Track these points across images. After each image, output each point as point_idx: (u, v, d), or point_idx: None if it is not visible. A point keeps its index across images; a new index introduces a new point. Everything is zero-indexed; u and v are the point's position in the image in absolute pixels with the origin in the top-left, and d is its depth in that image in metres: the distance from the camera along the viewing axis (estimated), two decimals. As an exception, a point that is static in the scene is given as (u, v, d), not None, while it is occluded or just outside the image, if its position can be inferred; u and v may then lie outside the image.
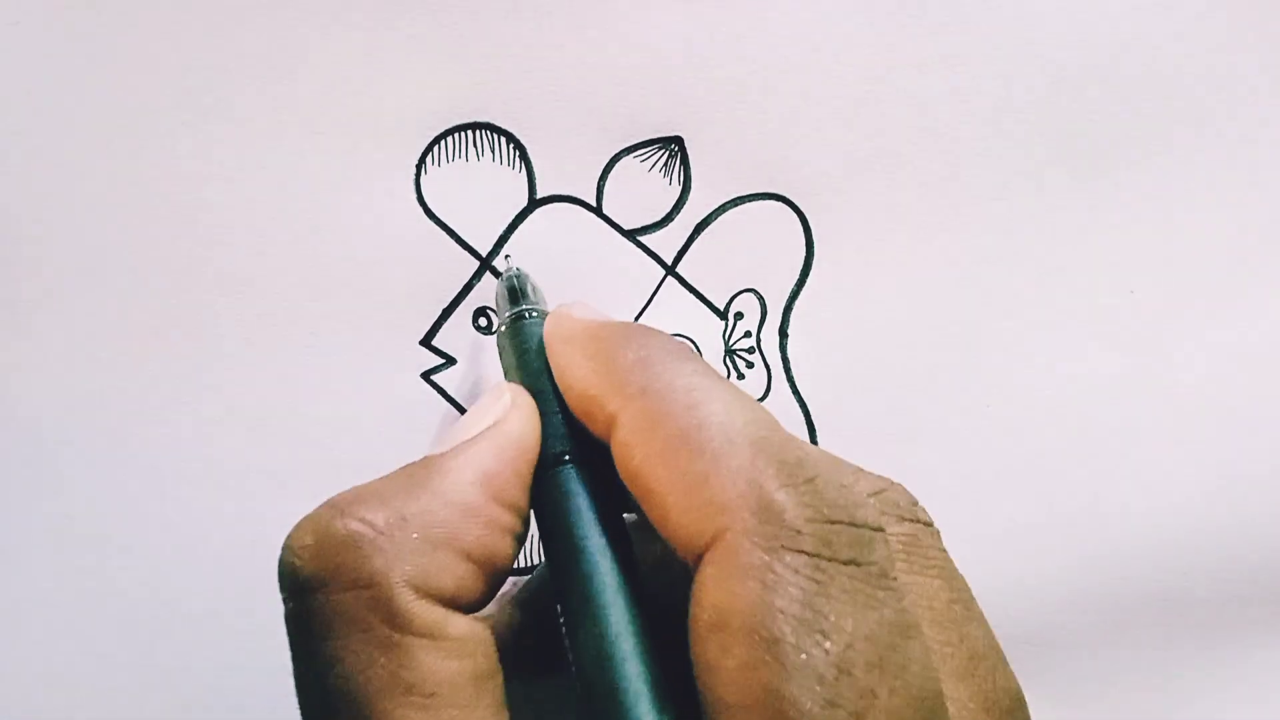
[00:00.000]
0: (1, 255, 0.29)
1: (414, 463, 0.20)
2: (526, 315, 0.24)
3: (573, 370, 0.21)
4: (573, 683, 0.18)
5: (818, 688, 0.15)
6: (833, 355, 0.30)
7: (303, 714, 0.19)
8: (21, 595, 0.30)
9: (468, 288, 0.29)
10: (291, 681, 0.31)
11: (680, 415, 0.18)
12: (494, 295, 0.28)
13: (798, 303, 0.30)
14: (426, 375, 0.30)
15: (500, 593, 0.20)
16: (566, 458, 0.20)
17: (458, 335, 0.30)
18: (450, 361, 0.30)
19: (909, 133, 0.29)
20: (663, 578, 0.19)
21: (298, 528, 0.19)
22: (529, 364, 0.23)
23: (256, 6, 0.28)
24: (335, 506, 0.19)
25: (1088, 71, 0.29)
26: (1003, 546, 0.30)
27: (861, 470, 0.19)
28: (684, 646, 0.17)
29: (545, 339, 0.22)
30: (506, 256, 0.29)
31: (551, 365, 0.22)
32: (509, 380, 0.23)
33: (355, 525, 0.18)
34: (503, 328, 0.25)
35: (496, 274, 0.29)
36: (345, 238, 0.29)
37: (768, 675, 0.16)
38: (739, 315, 0.30)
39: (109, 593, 0.30)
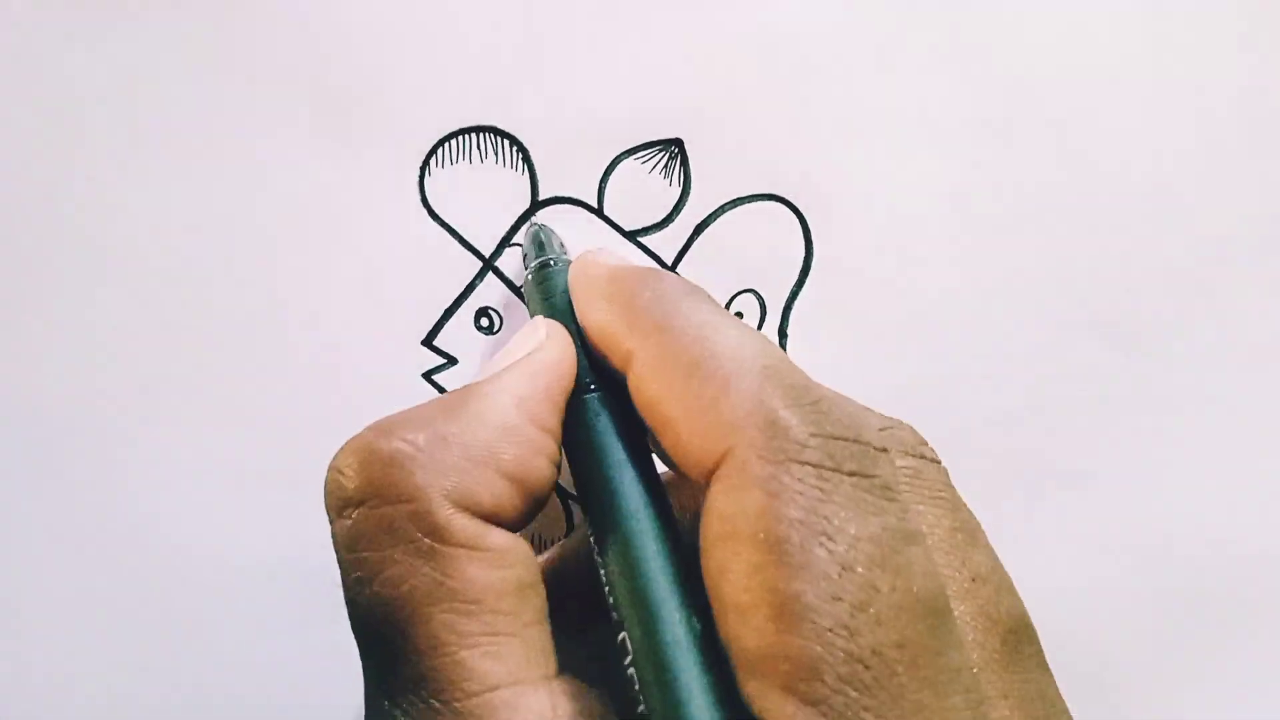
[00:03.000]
0: (3, 255, 0.29)
1: (454, 390, 0.21)
2: (552, 264, 0.25)
3: (593, 310, 0.22)
4: (609, 621, 0.19)
5: (822, 583, 0.16)
6: (833, 355, 0.30)
7: (352, 625, 0.19)
8: (22, 594, 0.30)
9: (470, 288, 0.30)
10: (291, 679, 0.30)
11: (692, 347, 0.19)
12: (521, 246, 0.29)
13: (797, 303, 0.30)
14: (428, 375, 0.30)
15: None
16: (593, 387, 0.21)
17: (459, 336, 0.30)
18: (452, 361, 0.30)
19: (908, 133, 0.29)
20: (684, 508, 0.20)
21: (343, 449, 0.19)
22: (554, 306, 0.24)
23: (261, 10, 0.29)
24: (379, 429, 0.19)
25: (1087, 70, 0.29)
26: (1000, 546, 0.30)
27: (869, 409, 0.20)
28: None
29: (570, 282, 0.23)
30: (533, 219, 0.29)
31: (575, 307, 0.23)
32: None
33: (398, 444, 0.19)
34: (529, 275, 0.26)
35: (499, 275, 0.30)
36: (349, 238, 0.29)
37: (774, 575, 0.16)
38: (739, 315, 0.30)
39: (109, 592, 0.30)
